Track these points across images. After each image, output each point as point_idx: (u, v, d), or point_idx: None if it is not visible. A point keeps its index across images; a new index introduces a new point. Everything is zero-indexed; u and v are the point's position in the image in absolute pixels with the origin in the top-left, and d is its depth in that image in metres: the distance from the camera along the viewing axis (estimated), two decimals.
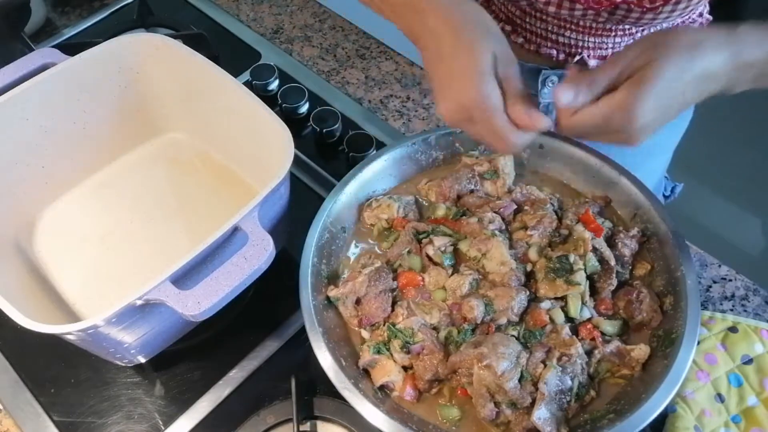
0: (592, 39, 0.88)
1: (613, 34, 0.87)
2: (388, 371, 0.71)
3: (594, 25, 0.84)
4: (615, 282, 0.75)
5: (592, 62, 0.91)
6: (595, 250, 0.75)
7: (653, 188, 1.09)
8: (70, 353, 0.79)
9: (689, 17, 0.90)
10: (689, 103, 0.62)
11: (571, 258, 0.74)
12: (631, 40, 0.89)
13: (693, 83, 0.60)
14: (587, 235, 0.76)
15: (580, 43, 0.89)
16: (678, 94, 0.60)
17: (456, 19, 0.66)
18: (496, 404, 0.68)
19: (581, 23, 0.86)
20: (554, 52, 0.92)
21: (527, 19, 0.90)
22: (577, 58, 0.91)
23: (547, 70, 0.95)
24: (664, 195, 1.14)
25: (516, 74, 0.66)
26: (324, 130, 1.00)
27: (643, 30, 0.87)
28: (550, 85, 0.95)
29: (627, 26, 0.84)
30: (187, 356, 0.82)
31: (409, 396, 0.71)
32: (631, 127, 0.61)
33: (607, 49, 0.90)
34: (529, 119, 0.64)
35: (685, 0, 0.76)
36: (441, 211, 0.83)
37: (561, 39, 0.90)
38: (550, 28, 0.89)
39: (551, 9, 0.83)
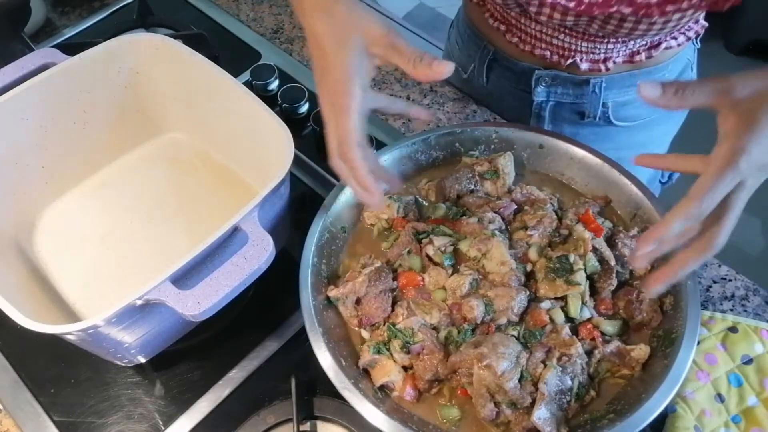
0: (585, 44, 0.89)
1: (606, 40, 0.87)
2: (388, 371, 0.71)
3: (588, 30, 0.85)
4: (615, 282, 0.75)
5: (584, 65, 0.92)
6: (595, 250, 0.75)
7: (651, 174, 1.10)
8: (70, 353, 0.79)
9: (686, 26, 0.90)
10: None
11: (571, 258, 0.74)
12: (624, 48, 0.89)
13: None
14: (587, 235, 0.76)
15: (573, 47, 0.90)
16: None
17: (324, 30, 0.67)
18: (496, 404, 0.68)
19: (574, 29, 0.86)
20: (548, 53, 0.93)
21: (522, 20, 0.91)
22: (570, 61, 0.92)
23: (540, 70, 0.95)
24: (661, 181, 1.14)
25: (401, 39, 0.66)
26: (324, 130, 1.00)
27: (634, 41, 0.87)
28: (543, 84, 0.96)
29: (620, 36, 0.84)
30: (187, 356, 0.82)
31: (409, 396, 0.71)
32: (733, 163, 0.57)
33: (599, 53, 0.90)
34: (438, 66, 0.64)
35: (680, 12, 0.77)
36: (441, 211, 0.83)
37: (555, 41, 0.90)
38: (544, 30, 0.90)
39: (543, 18, 0.83)
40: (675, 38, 0.91)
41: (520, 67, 0.98)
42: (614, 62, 0.92)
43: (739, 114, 0.58)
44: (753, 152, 0.56)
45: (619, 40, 0.87)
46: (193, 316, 0.62)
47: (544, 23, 0.87)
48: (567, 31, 0.88)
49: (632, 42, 0.88)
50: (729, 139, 0.58)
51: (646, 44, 0.90)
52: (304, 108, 1.04)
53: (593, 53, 0.90)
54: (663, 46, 0.90)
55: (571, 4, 0.79)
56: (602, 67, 0.92)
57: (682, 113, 1.08)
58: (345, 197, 0.82)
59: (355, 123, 0.66)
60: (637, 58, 0.91)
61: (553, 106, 1.00)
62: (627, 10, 0.76)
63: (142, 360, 0.78)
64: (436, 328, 0.74)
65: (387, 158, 0.85)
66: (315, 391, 0.77)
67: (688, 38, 0.93)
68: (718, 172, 0.57)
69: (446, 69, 0.65)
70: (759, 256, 2.13)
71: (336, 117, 0.67)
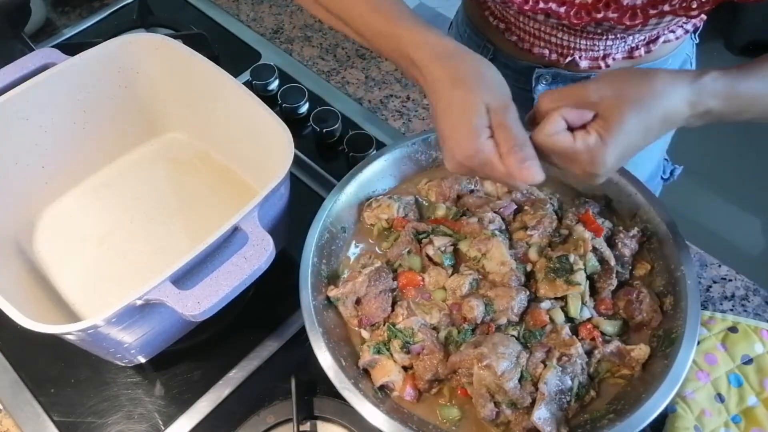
0: (583, 41, 0.89)
1: (605, 37, 0.88)
2: (388, 371, 0.71)
3: (586, 28, 0.85)
4: (615, 282, 0.75)
5: (584, 63, 0.92)
6: (595, 250, 0.75)
7: (652, 171, 1.10)
8: (70, 353, 0.79)
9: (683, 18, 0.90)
10: (650, 142, 0.65)
11: (571, 258, 0.74)
12: (623, 44, 0.90)
13: (653, 127, 0.64)
14: (587, 235, 0.76)
15: (572, 45, 0.90)
16: (639, 139, 0.64)
17: (448, 73, 0.67)
18: (496, 404, 0.68)
19: (572, 27, 0.87)
20: (546, 51, 0.93)
21: (521, 19, 0.91)
22: (569, 59, 0.92)
23: (540, 68, 0.95)
24: (662, 177, 1.14)
25: (511, 121, 0.65)
26: (324, 130, 1.00)
27: (633, 36, 0.88)
28: (544, 82, 0.96)
29: (617, 32, 0.85)
30: (187, 356, 0.82)
31: (409, 396, 0.71)
32: (594, 169, 0.64)
33: (598, 50, 0.90)
34: (520, 172, 0.64)
35: (669, 15, 0.78)
36: (441, 211, 0.83)
37: (553, 39, 0.91)
38: (542, 29, 0.90)
39: (540, 16, 0.84)
40: (673, 31, 0.91)
41: (520, 65, 0.98)
42: (614, 59, 0.92)
43: (600, 116, 0.63)
44: (609, 162, 0.63)
45: (618, 36, 0.87)
46: (193, 316, 0.62)
47: (542, 21, 0.88)
48: (565, 29, 0.88)
49: (631, 38, 0.88)
50: (596, 141, 0.63)
51: (644, 39, 0.90)
52: (304, 108, 1.04)
53: (592, 50, 0.90)
54: (661, 39, 0.91)
55: (562, 10, 0.80)
56: (602, 64, 0.92)
57: None
58: (345, 197, 0.82)
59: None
60: (636, 53, 0.91)
61: None
62: (613, 15, 0.77)
63: (142, 360, 0.78)
64: (436, 328, 0.74)
65: (387, 158, 0.85)
66: (315, 391, 0.77)
67: (686, 31, 0.93)
68: (580, 166, 0.64)
69: (534, 175, 0.63)
70: (759, 256, 2.13)
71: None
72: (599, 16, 0.79)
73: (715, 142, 2.22)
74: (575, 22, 0.81)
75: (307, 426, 0.75)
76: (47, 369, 0.81)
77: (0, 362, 0.82)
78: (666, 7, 0.77)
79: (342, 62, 1.16)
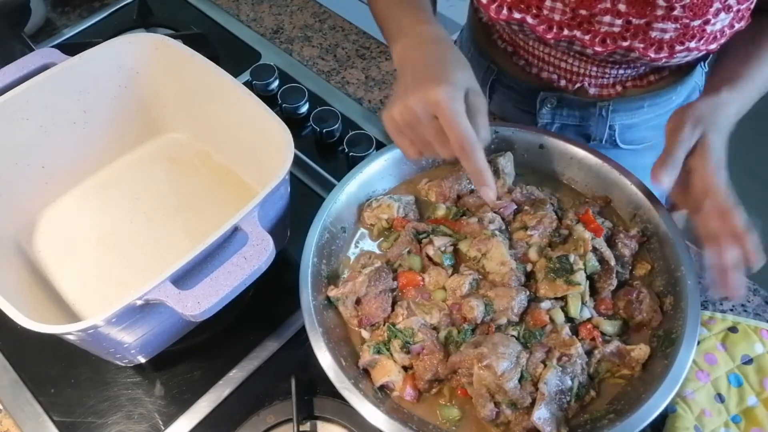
0: (594, 68, 0.88)
1: (617, 66, 0.87)
2: (388, 371, 0.71)
3: (606, 57, 0.84)
4: (615, 282, 0.75)
5: (593, 90, 0.91)
6: (595, 250, 0.75)
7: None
8: (70, 353, 0.79)
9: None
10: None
11: (571, 258, 0.74)
12: (634, 72, 0.89)
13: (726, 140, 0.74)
14: (587, 235, 0.76)
15: (582, 71, 0.89)
16: (723, 149, 0.73)
17: (435, 54, 0.70)
18: (496, 404, 0.68)
19: (584, 52, 0.85)
20: (555, 77, 0.91)
21: (530, 43, 0.90)
22: (578, 85, 0.91)
23: (545, 92, 0.94)
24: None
25: (484, 119, 0.67)
26: (324, 130, 1.00)
27: (646, 66, 0.87)
28: (548, 105, 0.95)
29: (630, 62, 0.84)
30: (187, 356, 0.82)
31: (409, 396, 0.71)
32: (716, 189, 0.71)
33: (608, 78, 0.89)
34: (482, 174, 0.66)
35: (695, 52, 0.78)
36: (441, 211, 0.83)
37: (563, 65, 0.89)
38: (552, 53, 0.89)
39: (551, 41, 0.83)
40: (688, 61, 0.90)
41: (524, 87, 0.96)
42: (623, 86, 0.91)
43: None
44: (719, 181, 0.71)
45: (630, 65, 0.86)
46: (193, 316, 0.62)
47: (552, 46, 0.87)
48: (577, 55, 0.87)
49: (643, 68, 0.88)
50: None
51: (655, 68, 0.89)
52: (304, 108, 1.04)
53: (602, 78, 0.89)
54: (673, 68, 0.90)
55: (587, 38, 0.81)
56: (611, 91, 0.91)
57: None
58: (345, 197, 0.82)
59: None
60: (646, 80, 0.90)
61: (558, 128, 0.98)
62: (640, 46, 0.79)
63: (142, 360, 0.78)
64: (436, 328, 0.74)
65: (387, 158, 0.85)
66: (315, 391, 0.77)
67: (698, 60, 0.92)
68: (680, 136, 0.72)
69: (490, 194, 0.68)
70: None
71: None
72: (625, 44, 0.78)
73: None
74: (599, 50, 0.80)
75: (307, 426, 0.75)
76: (47, 369, 0.81)
77: (0, 362, 0.82)
78: (692, 44, 0.77)
79: (342, 62, 1.16)
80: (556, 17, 0.79)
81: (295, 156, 0.73)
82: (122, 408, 0.78)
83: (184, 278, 0.66)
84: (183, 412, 0.78)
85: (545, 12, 0.79)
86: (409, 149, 0.71)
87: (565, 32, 0.80)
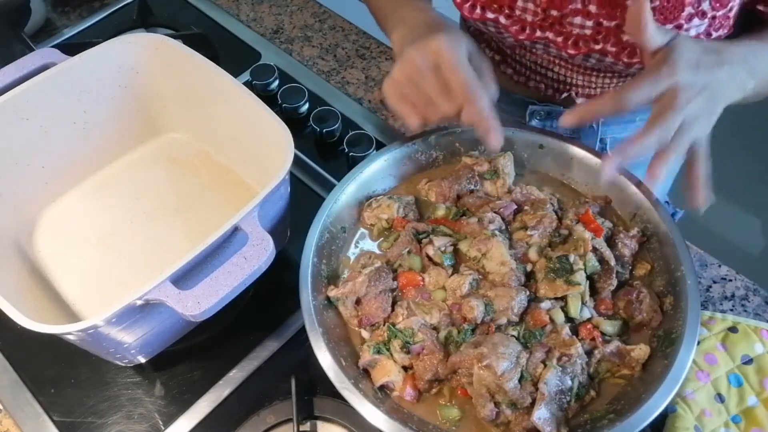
0: (580, 77, 0.88)
1: (602, 74, 0.86)
2: (388, 371, 0.71)
3: (585, 64, 0.84)
4: (615, 282, 0.75)
5: (579, 100, 0.90)
6: (595, 250, 0.75)
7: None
8: (70, 353, 0.79)
9: None
10: (724, 62, 0.66)
11: (571, 258, 0.74)
12: (621, 83, 0.88)
13: (709, 50, 0.65)
14: (587, 235, 0.76)
15: (569, 80, 0.89)
16: (702, 49, 0.64)
17: (434, 24, 0.71)
18: (496, 404, 0.68)
19: (570, 61, 0.85)
20: (542, 86, 0.91)
21: (517, 50, 0.90)
22: (565, 94, 0.90)
23: (534, 104, 0.94)
24: None
25: (491, 76, 0.67)
26: (324, 130, 1.00)
27: (632, 76, 0.86)
28: (537, 118, 0.95)
29: (617, 70, 0.84)
30: (187, 356, 0.82)
31: (409, 396, 0.71)
32: (677, 67, 0.62)
33: (595, 88, 0.89)
34: (487, 120, 0.65)
35: None
36: (441, 211, 0.83)
37: (549, 74, 0.89)
38: (539, 62, 0.89)
39: (538, 49, 0.83)
40: None
41: (514, 98, 0.96)
42: None
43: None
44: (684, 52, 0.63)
45: (616, 74, 0.86)
46: (193, 316, 0.62)
47: (539, 54, 0.87)
48: (562, 63, 0.87)
49: (629, 77, 0.87)
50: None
51: None
52: (304, 108, 1.05)
53: (589, 87, 0.89)
54: None
55: (559, 39, 0.80)
56: None
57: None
58: (345, 197, 0.82)
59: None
60: None
61: None
62: (613, 50, 0.77)
63: (142, 360, 0.78)
64: (436, 328, 0.74)
65: (387, 158, 0.85)
66: (315, 391, 0.77)
67: None
68: (653, 75, 0.63)
69: (495, 137, 0.67)
70: (759, 256, 2.13)
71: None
72: (598, 47, 0.78)
73: (715, 142, 2.22)
74: (572, 52, 0.79)
75: (307, 426, 0.75)
76: (47, 369, 0.81)
77: (0, 362, 0.82)
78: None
79: (342, 62, 1.16)
80: (528, 18, 0.79)
81: (295, 156, 0.73)
82: (122, 408, 0.78)
83: (184, 278, 0.66)
84: (183, 412, 0.78)
85: (517, 12, 0.79)
86: (411, 116, 0.70)
87: (538, 33, 0.80)
